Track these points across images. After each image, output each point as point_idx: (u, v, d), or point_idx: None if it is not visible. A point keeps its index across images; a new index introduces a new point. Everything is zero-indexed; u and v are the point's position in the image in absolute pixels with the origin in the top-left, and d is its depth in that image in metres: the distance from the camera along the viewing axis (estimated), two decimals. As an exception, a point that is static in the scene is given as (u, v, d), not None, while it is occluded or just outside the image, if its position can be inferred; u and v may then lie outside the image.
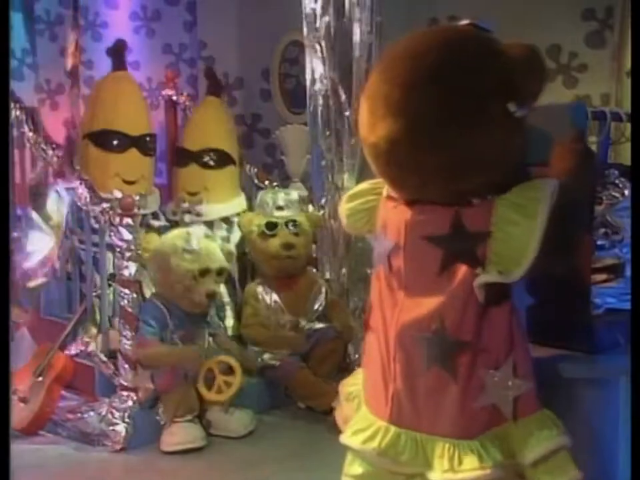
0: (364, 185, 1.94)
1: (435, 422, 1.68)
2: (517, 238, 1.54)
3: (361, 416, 1.83)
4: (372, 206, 1.84)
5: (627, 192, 1.85)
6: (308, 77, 3.92)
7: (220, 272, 3.53)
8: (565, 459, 1.72)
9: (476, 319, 1.63)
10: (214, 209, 4.19)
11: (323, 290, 3.92)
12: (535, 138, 1.98)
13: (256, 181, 4.45)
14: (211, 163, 4.28)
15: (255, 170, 4.48)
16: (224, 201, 4.28)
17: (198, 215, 4.09)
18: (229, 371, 3.37)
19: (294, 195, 4.05)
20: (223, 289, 3.97)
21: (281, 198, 3.97)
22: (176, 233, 3.60)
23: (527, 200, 1.57)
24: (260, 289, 3.92)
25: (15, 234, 4.01)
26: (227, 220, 4.26)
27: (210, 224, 4.13)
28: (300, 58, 4.86)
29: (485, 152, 1.58)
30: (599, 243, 1.86)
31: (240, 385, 3.35)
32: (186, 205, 4.11)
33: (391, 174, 1.68)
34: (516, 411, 1.71)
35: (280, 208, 3.93)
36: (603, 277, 1.88)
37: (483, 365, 1.67)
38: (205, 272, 3.44)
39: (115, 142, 4.01)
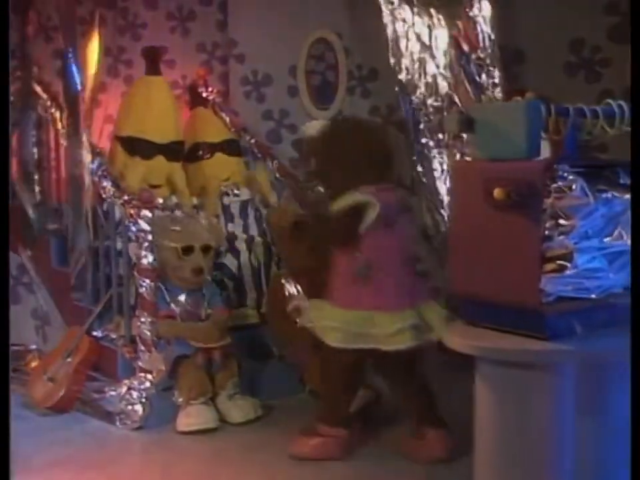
0: None
1: None
2: None
3: None
4: None
5: (574, 186, 1.93)
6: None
7: (205, 249, 3.72)
8: None
9: None
10: (244, 192, 4.45)
11: None
12: (493, 135, 2.09)
13: (277, 175, 4.60)
14: (235, 150, 4.55)
15: (276, 164, 4.63)
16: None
17: (236, 195, 4.37)
18: None
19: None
20: (249, 277, 4.15)
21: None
22: (165, 214, 3.83)
23: None
24: (284, 279, 4.04)
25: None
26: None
27: (244, 205, 4.41)
28: (325, 55, 4.99)
29: None
30: (548, 233, 1.93)
31: None
32: (223, 189, 4.38)
33: None
34: None
35: None
36: (553, 265, 1.95)
37: None
38: (188, 249, 3.65)
39: (141, 150, 4.17)
